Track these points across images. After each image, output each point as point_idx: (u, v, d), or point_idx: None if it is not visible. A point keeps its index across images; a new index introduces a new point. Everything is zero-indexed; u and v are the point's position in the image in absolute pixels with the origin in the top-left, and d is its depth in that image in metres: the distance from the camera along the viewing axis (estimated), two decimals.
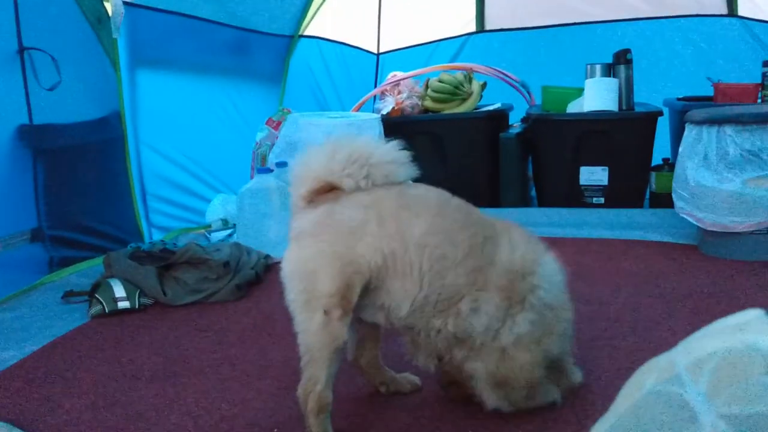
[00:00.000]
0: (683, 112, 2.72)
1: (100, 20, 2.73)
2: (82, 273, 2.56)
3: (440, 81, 3.68)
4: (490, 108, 3.67)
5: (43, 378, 1.69)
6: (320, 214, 1.30)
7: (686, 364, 0.64)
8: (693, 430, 0.59)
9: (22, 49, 2.34)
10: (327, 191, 1.32)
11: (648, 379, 0.67)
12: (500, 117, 3.66)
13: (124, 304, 2.14)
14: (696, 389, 0.60)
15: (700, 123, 2.43)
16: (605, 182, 3.33)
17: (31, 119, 2.41)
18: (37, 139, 2.46)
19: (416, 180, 3.36)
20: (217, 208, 3.32)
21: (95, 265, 2.60)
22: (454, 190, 3.77)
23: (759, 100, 3.27)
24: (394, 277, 1.26)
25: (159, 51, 3.20)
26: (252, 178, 3.29)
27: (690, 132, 2.48)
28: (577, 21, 4.23)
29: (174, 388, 1.59)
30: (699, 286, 2.13)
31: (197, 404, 1.50)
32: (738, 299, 1.99)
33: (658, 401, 0.63)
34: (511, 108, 3.78)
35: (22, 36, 2.35)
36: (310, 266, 1.27)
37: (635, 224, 2.97)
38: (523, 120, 3.75)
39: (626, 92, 3.39)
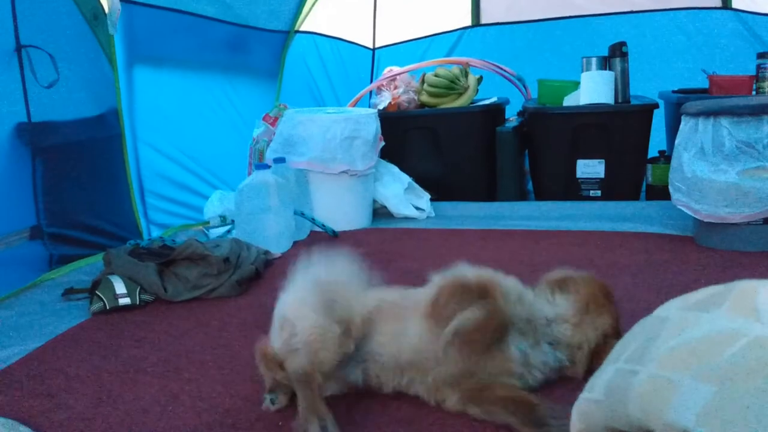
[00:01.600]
0: (679, 105, 2.74)
1: (96, 17, 2.73)
2: (82, 270, 2.57)
3: (436, 75, 3.69)
4: (487, 102, 3.68)
5: (46, 375, 1.70)
6: None
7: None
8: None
9: (19, 47, 2.34)
10: None
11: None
12: (496, 111, 3.67)
13: (125, 301, 2.14)
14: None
15: (696, 115, 2.45)
16: (602, 175, 3.35)
17: (29, 117, 2.41)
18: (35, 137, 2.46)
19: (413, 175, 3.37)
20: (215, 205, 3.32)
21: (94, 262, 2.61)
22: (451, 185, 3.82)
23: (754, 92, 3.29)
24: None
25: (155, 48, 3.20)
26: (249, 174, 3.29)
27: (686, 124, 2.50)
28: (572, 14, 4.25)
29: (177, 383, 1.60)
30: (695, 277, 2.15)
31: (201, 399, 1.51)
32: None
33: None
34: (507, 102, 3.80)
35: (19, 34, 2.35)
36: None
37: (632, 216, 2.98)
38: (520, 114, 3.76)
39: (622, 85, 3.40)
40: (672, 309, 0.84)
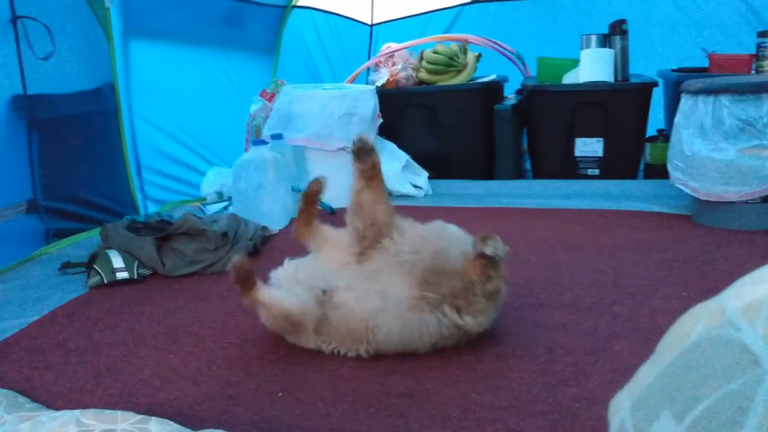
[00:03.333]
0: (678, 84, 2.72)
1: None
2: (78, 245, 2.56)
3: (435, 52, 3.66)
4: (485, 80, 3.66)
5: (45, 347, 1.70)
6: None
7: (738, 308, 0.59)
8: (757, 374, 0.53)
9: (15, 18, 2.31)
10: None
11: (695, 326, 0.62)
12: (495, 89, 3.65)
13: (122, 275, 2.14)
14: (753, 333, 0.55)
15: (696, 93, 2.44)
16: (600, 154, 3.34)
17: (25, 89, 2.39)
18: (31, 110, 2.44)
19: (411, 152, 3.35)
20: (212, 181, 3.31)
21: (91, 236, 2.60)
22: (449, 163, 3.79)
23: (753, 71, 3.27)
24: None
25: (152, 21, 3.17)
26: (246, 150, 3.28)
27: (686, 102, 2.49)
28: None
29: (176, 356, 1.60)
30: (693, 255, 2.16)
31: (201, 372, 1.52)
32: (732, 267, 2.02)
33: (712, 346, 0.58)
34: (506, 80, 3.77)
35: (14, 4, 2.32)
36: None
37: (630, 195, 2.99)
38: (518, 92, 3.74)
39: (622, 63, 3.38)
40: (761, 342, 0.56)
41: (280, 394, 1.38)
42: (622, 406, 0.67)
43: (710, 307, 0.61)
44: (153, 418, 1.15)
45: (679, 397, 0.58)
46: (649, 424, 0.60)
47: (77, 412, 1.14)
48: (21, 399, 1.39)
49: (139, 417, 1.14)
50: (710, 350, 0.58)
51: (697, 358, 0.59)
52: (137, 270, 2.17)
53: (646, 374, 0.65)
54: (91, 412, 1.14)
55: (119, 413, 1.14)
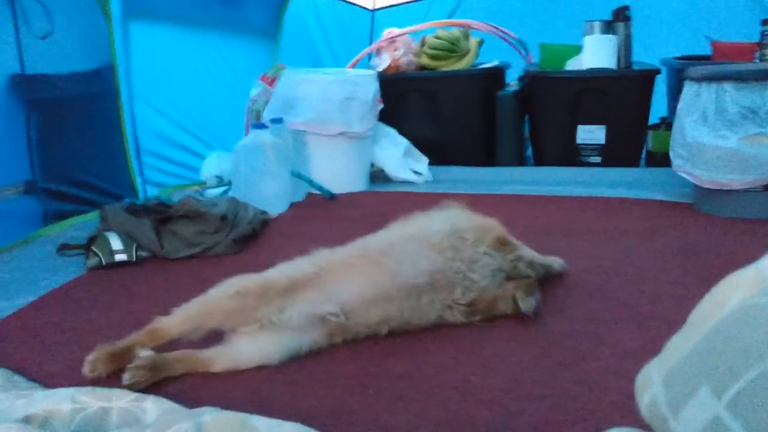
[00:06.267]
0: (681, 71, 2.71)
1: None
2: (77, 227, 2.55)
3: (437, 38, 3.64)
4: (487, 66, 3.64)
5: (42, 327, 1.69)
6: None
7: None
8: None
9: None
10: None
11: (732, 295, 0.57)
12: (497, 75, 3.63)
13: (121, 257, 2.13)
14: None
15: (699, 80, 2.42)
16: (602, 141, 3.32)
17: (23, 69, 2.37)
18: (30, 90, 2.42)
19: (412, 138, 3.34)
20: (212, 165, 3.29)
21: (90, 219, 2.58)
22: (450, 149, 3.78)
23: (757, 59, 3.25)
24: None
25: (152, 2, 3.14)
26: (246, 134, 3.26)
27: (689, 89, 2.47)
28: None
29: None
30: (694, 242, 2.15)
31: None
32: (733, 255, 2.01)
33: (752, 315, 0.53)
34: (508, 66, 3.75)
35: None
36: None
37: (631, 183, 2.97)
38: (521, 78, 3.72)
39: (625, 50, 3.36)
40: None
41: (277, 376, 1.37)
42: (652, 382, 0.62)
43: (747, 275, 0.57)
44: (149, 396, 1.14)
45: (717, 370, 0.53)
46: (686, 401, 0.56)
47: (72, 389, 1.13)
48: (17, 378, 1.38)
49: (136, 395, 1.13)
50: (750, 320, 0.53)
51: (735, 328, 0.54)
52: (136, 252, 2.16)
53: (679, 346, 0.61)
54: (87, 389, 1.13)
55: (115, 391, 1.13)
